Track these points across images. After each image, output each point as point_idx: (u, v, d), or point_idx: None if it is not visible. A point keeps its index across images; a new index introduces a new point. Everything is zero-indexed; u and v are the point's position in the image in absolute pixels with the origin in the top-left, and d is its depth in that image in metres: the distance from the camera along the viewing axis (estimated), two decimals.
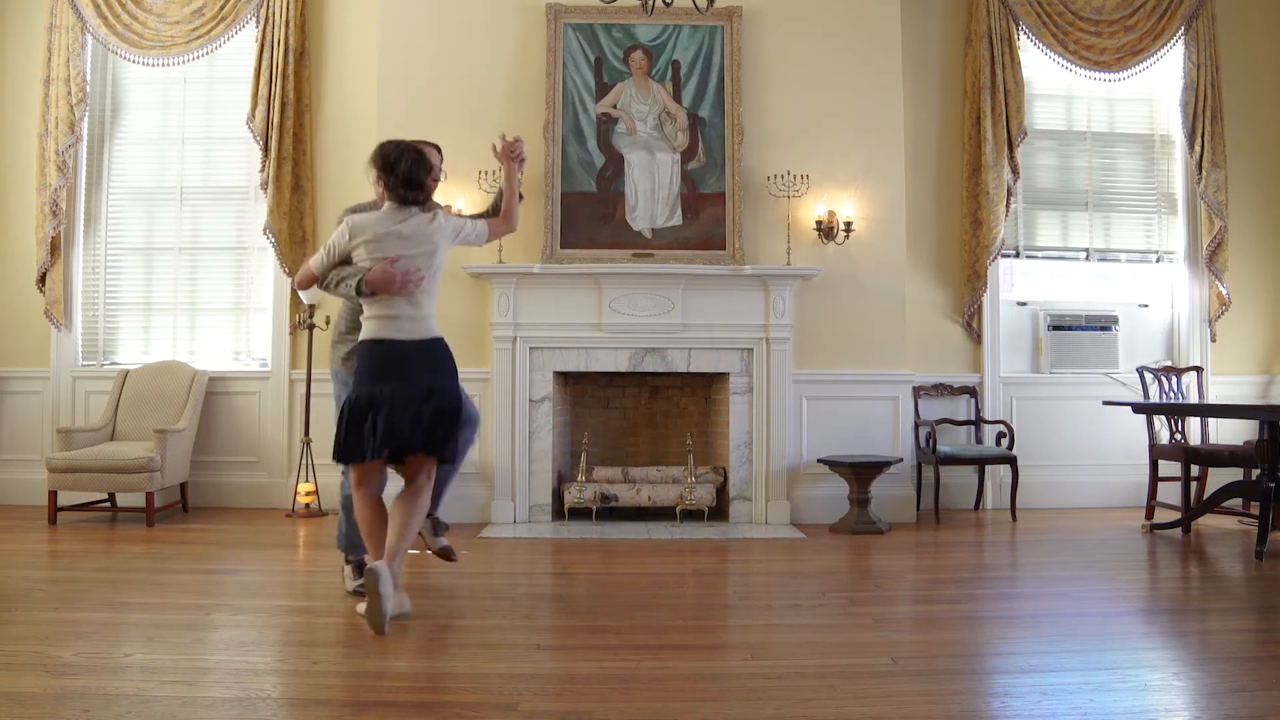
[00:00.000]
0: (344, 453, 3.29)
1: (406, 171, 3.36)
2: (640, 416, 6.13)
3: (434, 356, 3.37)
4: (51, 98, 6.07)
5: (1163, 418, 5.76)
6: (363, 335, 3.38)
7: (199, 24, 6.10)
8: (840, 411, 5.75)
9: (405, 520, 3.30)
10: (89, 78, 6.17)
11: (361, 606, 3.26)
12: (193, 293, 6.32)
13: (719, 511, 5.70)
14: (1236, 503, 5.31)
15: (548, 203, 5.69)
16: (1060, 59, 6.33)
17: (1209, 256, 6.32)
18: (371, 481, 3.40)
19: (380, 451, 3.24)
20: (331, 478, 5.91)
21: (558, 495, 5.71)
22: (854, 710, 2.53)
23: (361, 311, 3.42)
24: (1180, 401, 5.96)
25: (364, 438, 3.24)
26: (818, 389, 5.77)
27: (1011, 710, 2.55)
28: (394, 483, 3.57)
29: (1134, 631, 3.41)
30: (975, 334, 6.27)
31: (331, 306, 6.05)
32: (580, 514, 5.66)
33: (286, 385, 6.13)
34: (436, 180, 3.56)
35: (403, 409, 3.24)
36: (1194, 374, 6.21)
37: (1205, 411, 5.75)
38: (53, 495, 5.41)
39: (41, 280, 6.08)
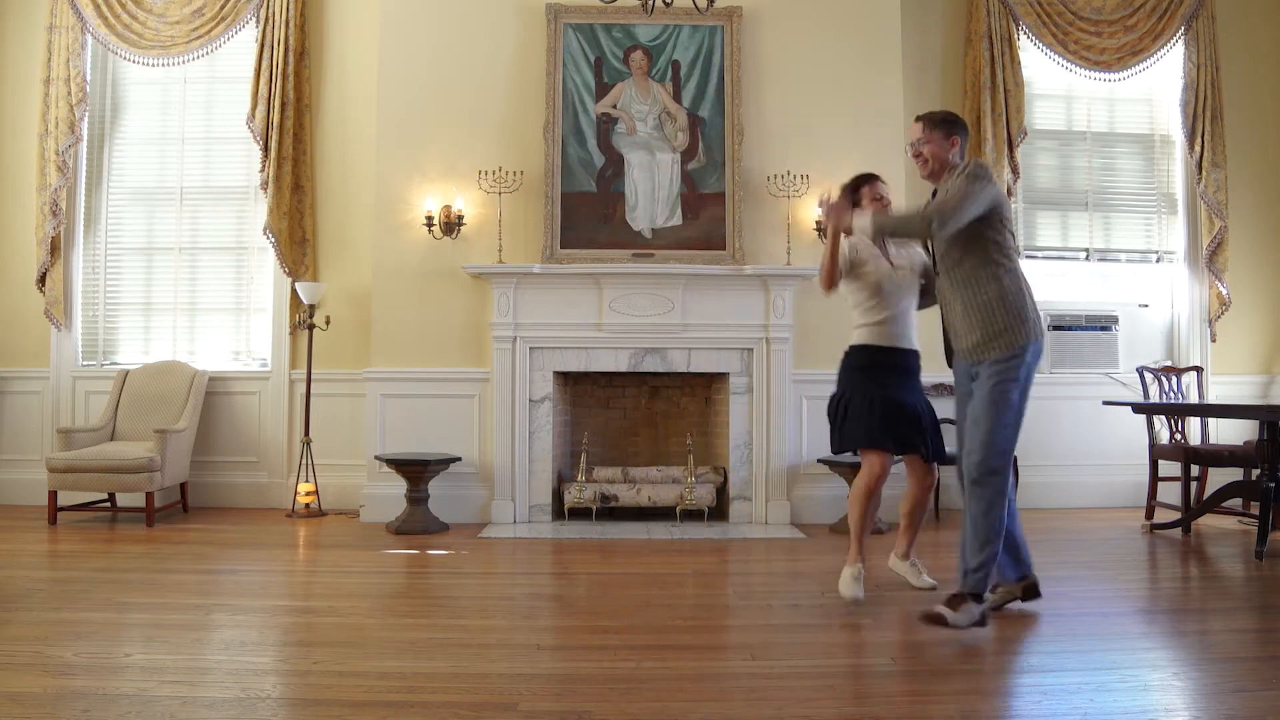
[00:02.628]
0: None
1: None
2: (640, 416, 6.13)
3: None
4: (51, 98, 6.07)
5: (1163, 418, 5.76)
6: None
7: (199, 24, 6.10)
8: None
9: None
10: (89, 78, 6.17)
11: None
12: (193, 293, 6.32)
13: (719, 511, 5.70)
14: (1236, 503, 5.30)
15: (548, 203, 5.69)
16: (1060, 59, 6.33)
17: (1209, 256, 6.32)
18: None
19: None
20: (332, 478, 5.93)
21: (558, 495, 5.71)
22: (854, 710, 2.53)
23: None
24: (1180, 401, 5.96)
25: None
26: (818, 389, 5.74)
27: (1011, 710, 2.55)
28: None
29: (1134, 631, 3.41)
30: None
31: (331, 306, 6.06)
32: (580, 514, 5.66)
33: (286, 385, 6.13)
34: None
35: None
36: (1194, 374, 6.21)
37: (1205, 411, 5.75)
38: (53, 495, 5.41)
39: (41, 280, 6.08)
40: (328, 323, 5.97)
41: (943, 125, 3.52)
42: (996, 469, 3.27)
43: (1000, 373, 3.30)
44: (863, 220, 3.50)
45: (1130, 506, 6.07)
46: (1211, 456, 5.53)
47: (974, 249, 3.36)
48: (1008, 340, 3.30)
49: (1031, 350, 3.32)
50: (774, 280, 5.64)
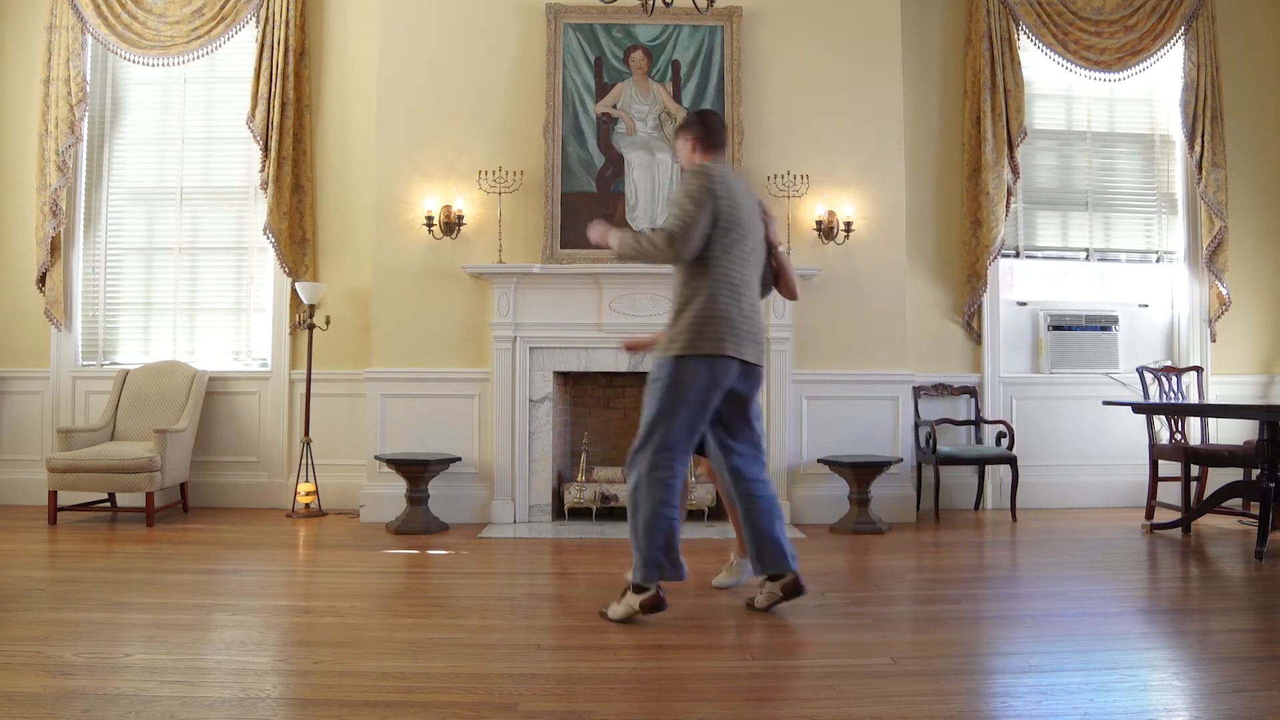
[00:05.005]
0: None
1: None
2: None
3: None
4: (51, 98, 6.07)
5: (1163, 418, 5.76)
6: None
7: (199, 24, 6.10)
8: (840, 411, 5.75)
9: None
10: (89, 78, 6.17)
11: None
12: (193, 293, 6.32)
13: (719, 511, 5.69)
14: (1236, 503, 5.31)
15: (548, 203, 5.69)
16: (1060, 59, 6.33)
17: (1209, 256, 6.32)
18: None
19: None
20: (332, 478, 5.93)
21: (558, 495, 5.71)
22: (854, 710, 2.52)
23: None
24: (1180, 401, 5.96)
25: None
26: (818, 389, 5.77)
27: (1011, 710, 2.55)
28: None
29: (1134, 631, 3.40)
30: (975, 334, 6.27)
31: (331, 306, 6.06)
32: (580, 514, 5.66)
33: (286, 385, 6.13)
34: None
35: None
36: (1194, 374, 6.21)
37: (1205, 411, 5.74)
38: (53, 495, 5.41)
39: (41, 280, 6.08)
40: (328, 323, 5.97)
41: (681, 129, 3.56)
42: (635, 463, 3.36)
43: (655, 372, 3.38)
44: (612, 239, 3.46)
45: (1130, 506, 6.07)
46: (1211, 456, 5.53)
47: None
48: (675, 346, 3.32)
49: (689, 365, 3.28)
50: None
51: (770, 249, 3.61)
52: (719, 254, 3.34)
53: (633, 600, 3.33)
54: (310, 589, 4.11)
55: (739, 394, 3.46)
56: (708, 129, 3.49)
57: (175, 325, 6.31)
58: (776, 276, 3.68)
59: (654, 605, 3.32)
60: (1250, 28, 6.55)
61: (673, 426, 3.34)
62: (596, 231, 3.55)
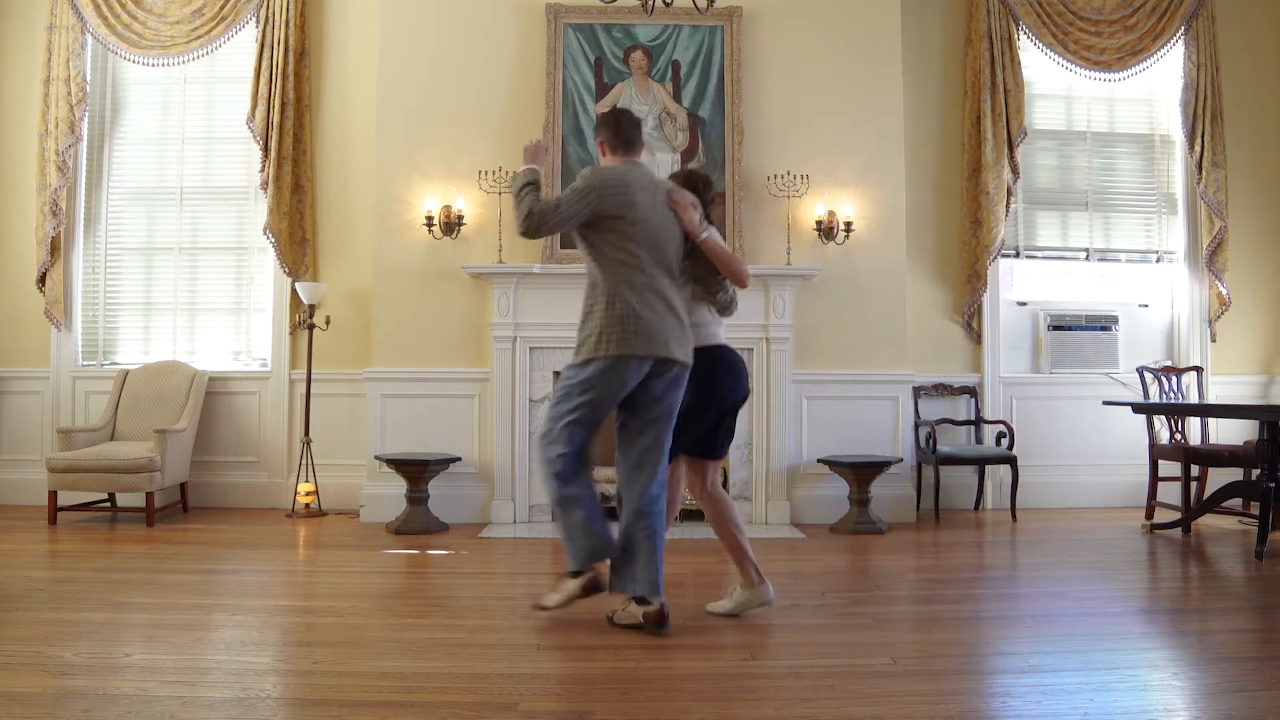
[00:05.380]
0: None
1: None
2: None
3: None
4: (51, 98, 6.07)
5: (1163, 418, 5.76)
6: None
7: (199, 24, 6.10)
8: (840, 411, 5.75)
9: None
10: (89, 78, 6.17)
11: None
12: (193, 293, 6.32)
13: None
14: (1236, 503, 5.31)
15: None
16: (1060, 59, 6.33)
17: (1209, 256, 6.32)
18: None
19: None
20: (332, 478, 5.93)
21: None
22: (854, 710, 2.52)
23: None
24: (1180, 401, 5.96)
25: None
26: (818, 389, 5.77)
27: (1011, 710, 2.55)
28: None
29: (1134, 631, 3.41)
30: (975, 334, 6.27)
31: (331, 306, 6.06)
32: None
33: (286, 385, 6.13)
34: None
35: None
36: (1194, 374, 6.21)
37: (1205, 411, 5.75)
38: (53, 495, 5.41)
39: (41, 280, 6.08)
40: (328, 323, 5.97)
41: (596, 129, 3.57)
42: (541, 446, 3.44)
43: (564, 374, 3.45)
44: (520, 171, 3.46)
45: (1130, 506, 6.07)
46: (1211, 456, 5.53)
47: (590, 254, 3.36)
48: (583, 350, 3.32)
49: (595, 366, 3.28)
50: (774, 280, 5.64)
51: (694, 240, 3.43)
52: (622, 256, 3.29)
53: (568, 584, 3.33)
54: (310, 589, 4.12)
55: (644, 396, 3.35)
56: (613, 132, 3.46)
57: (175, 325, 6.31)
58: (723, 268, 3.49)
59: (591, 587, 3.30)
60: (1250, 28, 6.55)
61: (572, 423, 3.38)
62: (529, 151, 3.49)
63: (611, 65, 5.83)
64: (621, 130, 3.45)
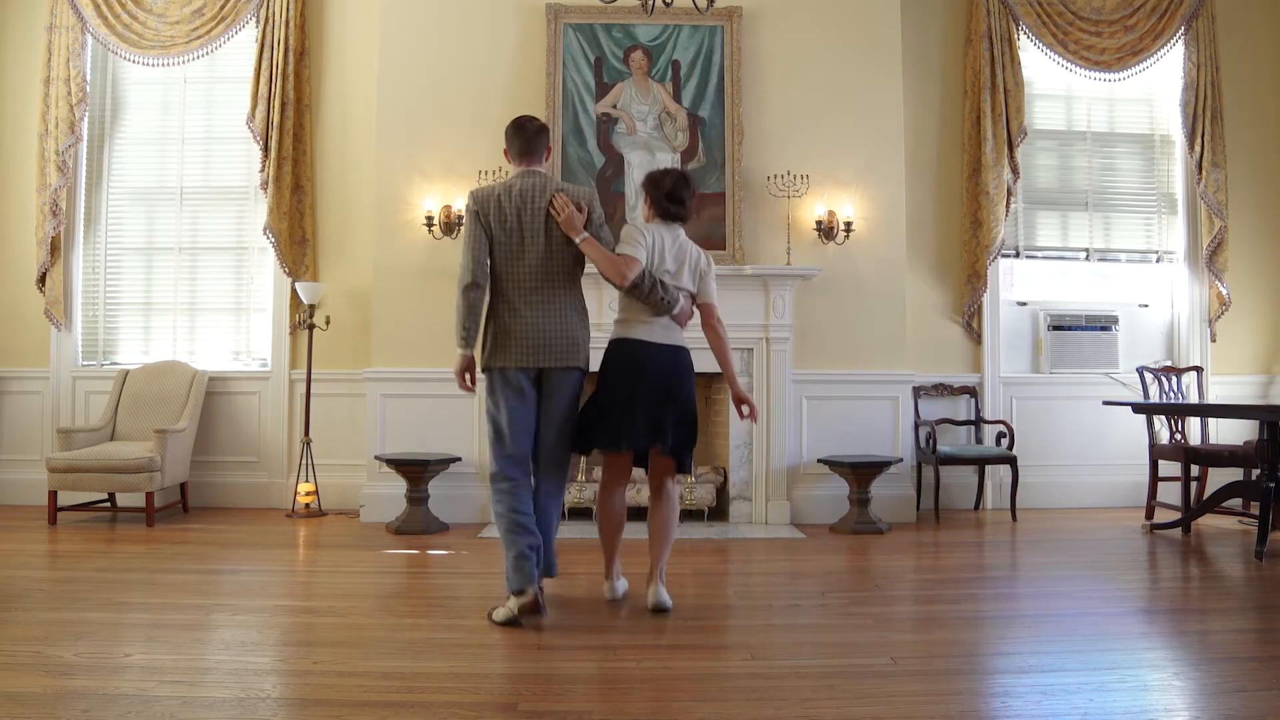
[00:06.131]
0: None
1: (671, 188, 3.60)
2: None
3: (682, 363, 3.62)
4: (51, 98, 6.07)
5: (1163, 418, 5.76)
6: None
7: (199, 24, 6.10)
8: (840, 411, 5.75)
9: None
10: (89, 78, 6.16)
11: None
12: (193, 293, 6.32)
13: (719, 511, 5.70)
14: (1236, 503, 5.31)
15: None
16: (1060, 59, 6.33)
17: (1209, 256, 6.32)
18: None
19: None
20: (332, 478, 5.93)
21: None
22: (854, 710, 2.53)
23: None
24: (1180, 401, 5.96)
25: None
26: (818, 389, 5.77)
27: (1011, 710, 2.55)
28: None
29: (1134, 631, 3.41)
30: (975, 334, 6.27)
31: (331, 306, 6.06)
32: (580, 514, 5.66)
33: (286, 385, 6.13)
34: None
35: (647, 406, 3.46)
36: (1194, 374, 6.21)
37: (1205, 411, 5.74)
38: (53, 495, 5.41)
39: (41, 280, 6.08)
40: (328, 323, 5.97)
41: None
42: (491, 473, 3.48)
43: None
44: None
45: (1130, 506, 6.07)
46: (1211, 456, 5.54)
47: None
48: (481, 364, 3.51)
49: (487, 379, 3.53)
50: (774, 280, 5.64)
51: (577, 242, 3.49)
52: (504, 270, 3.44)
53: (512, 604, 3.30)
54: (310, 589, 4.12)
55: (544, 399, 3.50)
56: (510, 140, 3.51)
57: (175, 325, 6.31)
58: (599, 268, 3.56)
59: (532, 609, 3.27)
60: (1250, 28, 6.55)
61: (496, 440, 3.48)
62: (564, 215, 3.45)
63: (611, 65, 5.83)
64: (518, 138, 3.51)
